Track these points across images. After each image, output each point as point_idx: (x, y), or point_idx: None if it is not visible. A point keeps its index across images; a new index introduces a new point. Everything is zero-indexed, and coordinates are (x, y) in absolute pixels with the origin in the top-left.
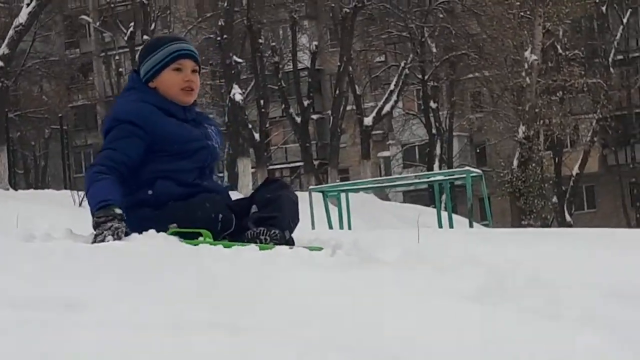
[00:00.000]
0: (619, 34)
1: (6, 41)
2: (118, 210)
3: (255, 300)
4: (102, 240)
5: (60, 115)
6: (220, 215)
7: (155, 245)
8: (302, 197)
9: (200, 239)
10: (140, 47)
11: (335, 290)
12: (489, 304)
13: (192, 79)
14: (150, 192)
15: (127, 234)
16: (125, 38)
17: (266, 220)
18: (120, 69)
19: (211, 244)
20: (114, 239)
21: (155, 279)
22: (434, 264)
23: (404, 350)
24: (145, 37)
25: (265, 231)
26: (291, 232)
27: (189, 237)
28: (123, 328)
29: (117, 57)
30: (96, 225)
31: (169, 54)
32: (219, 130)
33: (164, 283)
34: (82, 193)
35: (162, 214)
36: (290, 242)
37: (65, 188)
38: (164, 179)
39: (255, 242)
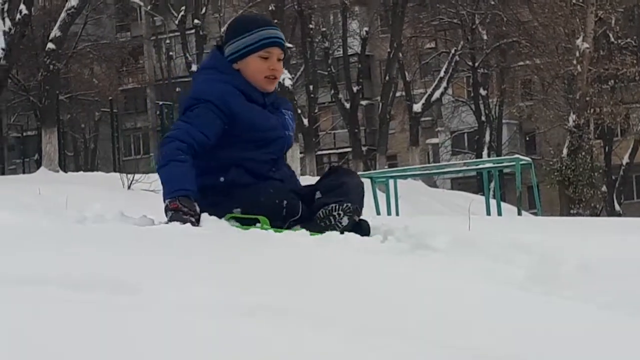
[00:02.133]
0: None
1: (58, 23)
2: (197, 208)
3: (304, 284)
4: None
5: (110, 98)
6: (285, 202)
7: (208, 229)
8: None
9: (258, 225)
10: (190, 31)
11: (387, 277)
12: (541, 292)
13: (277, 68)
14: (222, 179)
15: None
16: (176, 22)
17: (333, 203)
18: (171, 53)
19: (266, 229)
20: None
21: (204, 262)
22: (485, 252)
23: (457, 337)
24: (196, 20)
25: (337, 207)
26: (359, 216)
27: (247, 222)
28: (171, 310)
29: (167, 41)
30: (174, 210)
31: (259, 40)
32: (293, 116)
33: (213, 266)
34: (130, 176)
35: (228, 200)
36: (363, 226)
37: (115, 171)
38: (238, 167)
39: (329, 220)
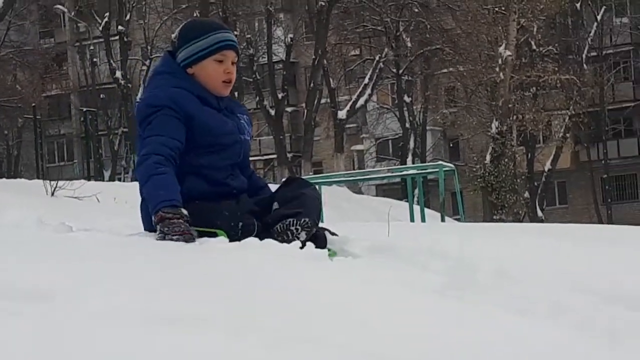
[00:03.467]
0: (592, 31)
1: None
2: (185, 212)
3: (219, 292)
4: (170, 239)
5: (33, 104)
6: (240, 224)
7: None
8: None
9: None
10: (114, 38)
11: (303, 283)
12: (456, 298)
13: (232, 71)
14: (185, 213)
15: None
16: (100, 28)
17: (290, 215)
18: (95, 59)
19: None
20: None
21: (123, 270)
22: (403, 257)
23: (366, 343)
24: (120, 27)
25: (294, 221)
26: (316, 228)
27: (207, 235)
28: (87, 318)
29: (91, 47)
30: (161, 221)
31: (215, 43)
32: (250, 120)
33: (133, 273)
34: (54, 183)
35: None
36: (320, 237)
37: (38, 178)
38: (194, 175)
39: (287, 235)
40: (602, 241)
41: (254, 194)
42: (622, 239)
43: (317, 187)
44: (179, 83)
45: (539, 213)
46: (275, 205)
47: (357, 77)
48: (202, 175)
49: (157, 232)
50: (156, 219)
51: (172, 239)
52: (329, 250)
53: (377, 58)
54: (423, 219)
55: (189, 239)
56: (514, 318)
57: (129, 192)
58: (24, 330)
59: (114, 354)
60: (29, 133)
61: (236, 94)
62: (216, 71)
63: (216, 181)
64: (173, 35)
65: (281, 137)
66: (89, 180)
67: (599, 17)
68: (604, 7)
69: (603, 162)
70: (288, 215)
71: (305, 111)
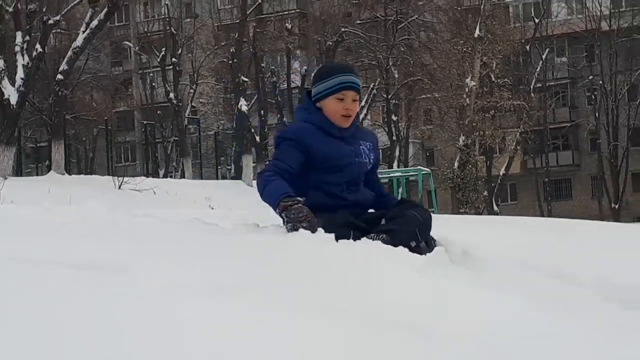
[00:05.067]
0: (539, 67)
1: (65, 59)
2: (301, 197)
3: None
4: (300, 227)
5: (105, 118)
6: (333, 234)
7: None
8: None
9: None
10: (169, 67)
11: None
12: (435, 275)
13: (351, 107)
14: (303, 199)
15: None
16: (158, 60)
17: (383, 232)
18: (154, 84)
19: None
20: (310, 229)
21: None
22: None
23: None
24: (174, 59)
25: (375, 236)
26: (409, 243)
27: None
28: (158, 289)
29: (151, 74)
30: (284, 210)
31: (336, 85)
32: (375, 145)
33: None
34: (121, 178)
35: None
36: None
37: (109, 174)
38: (316, 189)
39: None
40: (544, 229)
41: (379, 206)
42: (560, 228)
43: (427, 209)
44: (308, 117)
45: (495, 208)
46: (383, 222)
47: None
48: (321, 189)
49: (285, 222)
50: (280, 210)
51: (302, 227)
52: None
53: (371, 86)
54: None
55: (314, 223)
56: (481, 290)
57: (177, 187)
58: (110, 296)
59: (180, 320)
60: (101, 140)
61: (262, 111)
62: (337, 107)
63: (333, 194)
64: (195, 66)
65: None
66: (147, 177)
67: (543, 57)
68: (548, 48)
69: (545, 169)
70: (380, 231)
71: None
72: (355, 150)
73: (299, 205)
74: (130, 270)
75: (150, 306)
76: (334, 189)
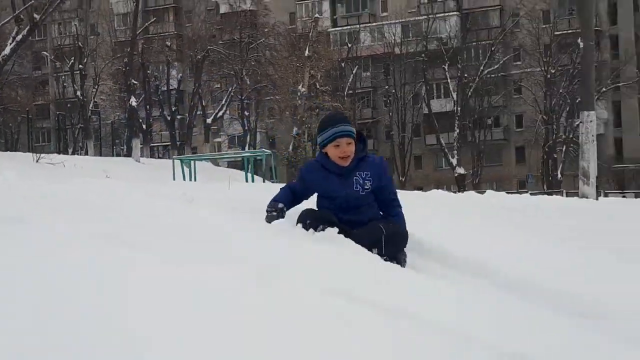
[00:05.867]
0: (350, 79)
1: None
2: (280, 205)
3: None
4: (268, 221)
5: (27, 109)
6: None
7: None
8: (168, 163)
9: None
10: (77, 72)
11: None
12: (288, 236)
13: (346, 150)
14: (282, 205)
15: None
16: (68, 66)
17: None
18: (65, 84)
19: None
20: (269, 219)
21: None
22: (234, 200)
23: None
24: (80, 66)
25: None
26: (370, 249)
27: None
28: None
29: (63, 77)
30: (267, 206)
31: (331, 135)
32: (375, 172)
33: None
34: (38, 155)
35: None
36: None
37: (29, 152)
38: (319, 207)
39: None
40: None
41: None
42: None
43: (400, 225)
44: (318, 158)
45: None
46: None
47: (218, 99)
48: (323, 208)
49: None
50: (267, 207)
51: (267, 214)
52: None
53: (229, 89)
54: (253, 181)
55: (272, 216)
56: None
57: (82, 162)
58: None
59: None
60: (24, 126)
61: (148, 107)
62: (335, 152)
63: (331, 212)
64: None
65: (173, 132)
66: (59, 154)
67: (354, 71)
68: (357, 65)
69: None
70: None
71: (188, 118)
72: (346, 184)
73: (276, 205)
74: (27, 222)
75: (42, 250)
76: (331, 209)
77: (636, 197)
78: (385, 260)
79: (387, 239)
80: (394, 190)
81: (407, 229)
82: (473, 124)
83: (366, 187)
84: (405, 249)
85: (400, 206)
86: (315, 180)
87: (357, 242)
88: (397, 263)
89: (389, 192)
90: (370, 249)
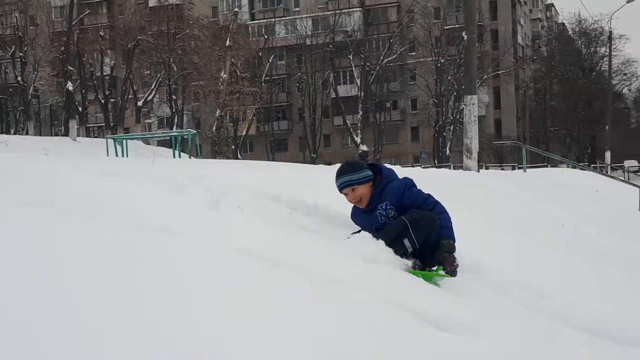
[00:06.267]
0: (267, 66)
1: None
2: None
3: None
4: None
5: None
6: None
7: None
8: (103, 142)
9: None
10: (17, 59)
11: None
12: (221, 207)
13: (353, 198)
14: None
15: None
16: (10, 54)
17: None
18: (7, 70)
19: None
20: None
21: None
22: (168, 179)
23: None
24: (21, 54)
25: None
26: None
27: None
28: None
29: (4, 64)
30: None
31: (338, 188)
32: (393, 200)
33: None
34: None
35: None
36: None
37: None
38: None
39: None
40: (265, 167)
41: None
42: (275, 167)
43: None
44: None
45: (239, 156)
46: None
47: (149, 84)
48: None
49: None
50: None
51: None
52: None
53: (158, 75)
54: (180, 157)
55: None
56: (233, 213)
57: (23, 141)
58: None
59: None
60: None
61: (84, 91)
62: (347, 200)
63: None
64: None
65: (107, 114)
66: (1, 134)
67: (270, 60)
68: (273, 55)
69: (270, 131)
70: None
71: (120, 101)
72: (372, 219)
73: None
74: None
75: None
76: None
77: (512, 169)
78: (418, 252)
79: (413, 225)
80: (421, 200)
81: (442, 221)
82: (374, 107)
83: (390, 215)
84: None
85: (442, 212)
86: (354, 219)
87: (385, 238)
88: (445, 257)
89: (417, 205)
90: (402, 241)
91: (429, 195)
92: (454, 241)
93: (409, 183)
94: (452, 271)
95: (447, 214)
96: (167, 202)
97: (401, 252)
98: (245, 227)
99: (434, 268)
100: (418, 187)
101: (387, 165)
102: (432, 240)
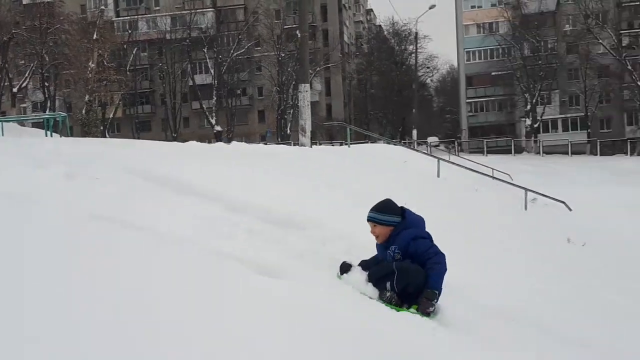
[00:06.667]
0: (131, 57)
1: None
2: (350, 263)
3: None
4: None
5: None
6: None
7: None
8: None
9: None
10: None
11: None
12: (151, 180)
13: (373, 232)
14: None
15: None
16: None
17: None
18: None
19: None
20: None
21: None
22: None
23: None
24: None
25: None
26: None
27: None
28: None
29: None
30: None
31: (367, 217)
32: (402, 245)
33: None
34: None
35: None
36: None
37: None
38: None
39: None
40: (162, 147)
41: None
42: (153, 146)
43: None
44: None
45: (107, 136)
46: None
47: (23, 72)
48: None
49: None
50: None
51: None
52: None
53: (32, 65)
54: (52, 136)
55: (344, 268)
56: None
57: None
58: None
59: None
60: None
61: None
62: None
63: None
64: None
65: None
66: None
67: (134, 52)
68: (137, 47)
69: (135, 114)
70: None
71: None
72: (384, 254)
73: (348, 264)
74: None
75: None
76: None
77: (340, 145)
78: (397, 295)
79: (399, 272)
80: (424, 249)
81: (439, 276)
82: (227, 94)
83: (396, 257)
84: (436, 303)
85: (437, 262)
86: (376, 245)
87: (373, 275)
88: (422, 303)
89: (420, 256)
90: (385, 282)
91: (432, 245)
92: (439, 292)
93: (419, 234)
94: (424, 313)
95: (444, 264)
96: (30, 174)
97: (382, 289)
98: (99, 193)
99: (410, 307)
100: (429, 238)
101: (414, 213)
102: (410, 289)
